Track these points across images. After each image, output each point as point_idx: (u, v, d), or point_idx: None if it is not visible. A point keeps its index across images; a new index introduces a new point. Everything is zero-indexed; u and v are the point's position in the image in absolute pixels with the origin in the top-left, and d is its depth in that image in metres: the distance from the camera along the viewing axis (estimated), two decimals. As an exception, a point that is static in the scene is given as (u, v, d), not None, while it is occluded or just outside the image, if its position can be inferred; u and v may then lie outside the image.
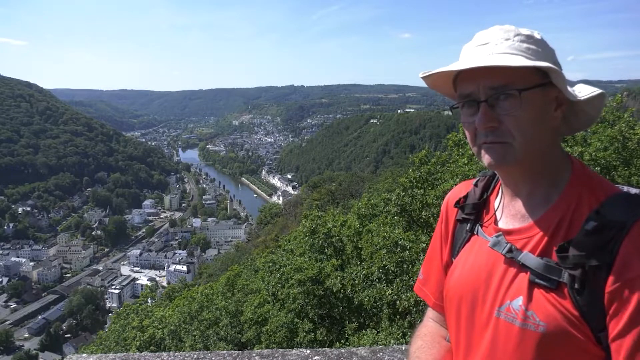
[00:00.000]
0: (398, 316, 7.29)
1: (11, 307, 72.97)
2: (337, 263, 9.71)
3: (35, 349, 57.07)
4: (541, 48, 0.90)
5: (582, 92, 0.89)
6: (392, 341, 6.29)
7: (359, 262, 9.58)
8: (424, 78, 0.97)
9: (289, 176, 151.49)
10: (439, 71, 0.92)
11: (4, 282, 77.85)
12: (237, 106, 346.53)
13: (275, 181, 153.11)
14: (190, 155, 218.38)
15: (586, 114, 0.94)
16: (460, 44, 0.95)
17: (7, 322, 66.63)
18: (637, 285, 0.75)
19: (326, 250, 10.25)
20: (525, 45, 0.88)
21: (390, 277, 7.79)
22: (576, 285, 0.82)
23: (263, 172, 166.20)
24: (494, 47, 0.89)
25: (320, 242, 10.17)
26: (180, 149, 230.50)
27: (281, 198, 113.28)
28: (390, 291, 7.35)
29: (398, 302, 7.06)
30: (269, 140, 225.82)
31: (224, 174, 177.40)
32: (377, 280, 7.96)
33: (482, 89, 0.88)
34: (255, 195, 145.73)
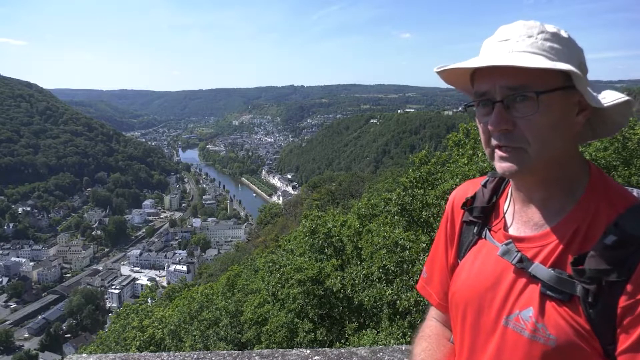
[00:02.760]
0: (398, 316, 7.30)
1: (11, 307, 72.93)
2: (337, 263, 9.72)
3: (35, 349, 57.07)
4: (567, 48, 0.84)
5: (607, 98, 0.84)
6: (392, 341, 6.29)
7: (359, 262, 9.58)
8: (438, 73, 0.93)
9: (289, 176, 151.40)
10: (454, 67, 0.88)
11: (4, 282, 77.82)
12: (237, 106, 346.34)
13: (275, 181, 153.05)
14: (190, 155, 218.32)
15: (612, 120, 0.89)
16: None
17: (7, 322, 66.59)
18: None
19: (326, 250, 10.25)
20: (549, 44, 0.83)
21: (391, 277, 7.79)
22: (590, 299, 0.79)
23: (263, 172, 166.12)
24: (515, 44, 0.84)
25: (320, 242, 10.17)
26: (180, 149, 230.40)
27: (281, 198, 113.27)
28: (390, 291, 7.35)
29: (398, 302, 7.06)
30: (269, 140, 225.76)
31: (224, 174, 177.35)
32: (377, 280, 7.96)
33: (498, 88, 0.84)
34: (254, 195, 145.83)
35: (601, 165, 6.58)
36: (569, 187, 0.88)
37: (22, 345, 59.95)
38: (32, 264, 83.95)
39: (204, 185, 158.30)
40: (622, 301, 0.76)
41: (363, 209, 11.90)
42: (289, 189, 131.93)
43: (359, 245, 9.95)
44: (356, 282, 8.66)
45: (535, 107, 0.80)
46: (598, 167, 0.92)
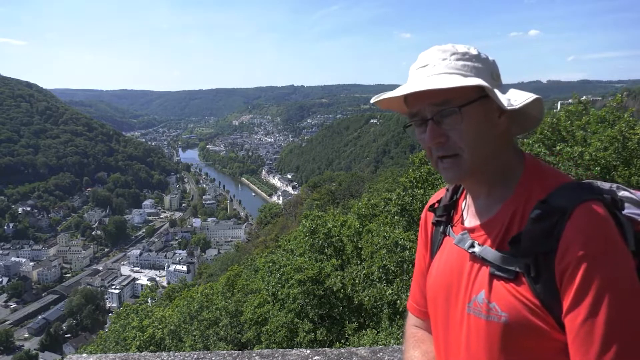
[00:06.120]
0: (398, 316, 7.30)
1: (11, 307, 72.96)
2: (337, 263, 9.72)
3: (35, 349, 57.07)
4: (478, 63, 0.97)
5: (518, 99, 0.94)
6: (392, 341, 6.29)
7: (359, 262, 9.58)
8: (375, 103, 1.04)
9: (289, 176, 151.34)
10: (386, 96, 1.00)
11: (4, 282, 77.83)
12: (237, 106, 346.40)
13: (275, 181, 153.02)
14: (190, 155, 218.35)
15: (531, 115, 1.01)
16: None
17: (7, 322, 66.64)
18: (580, 262, 0.81)
19: (326, 250, 10.25)
20: (461, 62, 0.95)
21: (391, 277, 7.80)
22: (532, 274, 0.86)
23: (263, 172, 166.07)
24: (433, 68, 0.96)
25: (320, 242, 10.17)
26: (180, 149, 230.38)
27: (281, 198, 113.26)
28: (390, 291, 7.36)
29: (398, 301, 7.07)
30: (269, 140, 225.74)
31: (224, 174, 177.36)
32: (378, 280, 7.96)
33: (427, 107, 0.95)
34: (253, 194, 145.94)
35: (601, 165, 6.57)
36: (507, 177, 0.99)
37: (22, 345, 59.94)
38: (32, 264, 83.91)
39: (204, 185, 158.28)
40: (556, 269, 0.84)
41: (363, 209, 11.90)
42: (289, 189, 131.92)
43: (359, 245, 9.95)
44: (356, 282, 8.67)
45: (460, 119, 0.92)
46: (533, 157, 1.02)
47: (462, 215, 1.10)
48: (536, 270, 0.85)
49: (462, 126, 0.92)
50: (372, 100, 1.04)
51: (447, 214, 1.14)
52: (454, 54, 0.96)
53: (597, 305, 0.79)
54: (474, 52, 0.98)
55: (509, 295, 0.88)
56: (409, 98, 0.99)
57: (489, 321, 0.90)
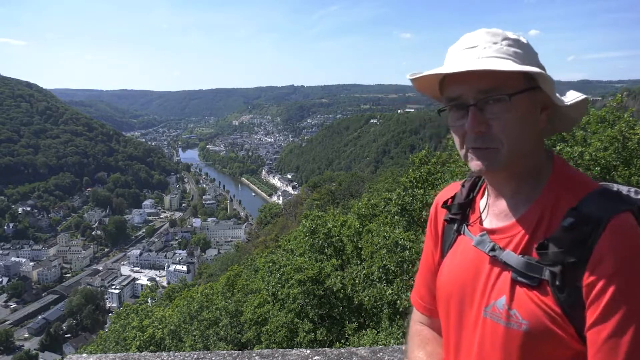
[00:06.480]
0: (398, 316, 7.30)
1: (11, 307, 72.93)
2: (337, 263, 9.72)
3: (35, 349, 57.05)
4: (527, 52, 0.91)
5: (568, 97, 0.92)
6: (392, 341, 6.30)
7: (359, 262, 9.59)
8: (412, 80, 0.97)
9: (289, 176, 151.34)
10: (428, 73, 0.91)
11: (4, 282, 77.78)
12: (237, 106, 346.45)
13: (275, 181, 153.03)
14: (190, 155, 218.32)
15: (569, 117, 0.97)
16: None
17: (7, 322, 66.61)
18: (613, 278, 0.77)
19: (326, 250, 10.25)
20: (512, 49, 0.89)
21: (391, 277, 7.80)
22: (557, 282, 0.83)
23: (263, 172, 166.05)
24: (482, 50, 0.89)
25: (320, 242, 10.17)
26: (180, 149, 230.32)
27: (281, 198, 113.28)
28: (390, 291, 7.36)
29: (398, 301, 7.07)
30: (269, 140, 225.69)
31: (224, 174, 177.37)
32: (378, 280, 7.96)
33: (471, 92, 0.88)
34: (253, 194, 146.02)
35: (601, 165, 6.57)
36: (535, 178, 0.94)
37: (22, 345, 59.90)
38: (32, 264, 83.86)
39: (204, 185, 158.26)
40: (585, 280, 0.80)
41: (363, 209, 11.89)
42: (289, 189, 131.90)
43: (359, 245, 9.95)
44: (356, 282, 8.67)
45: (508, 107, 0.86)
46: (562, 159, 0.97)
47: (480, 214, 1.04)
48: (562, 280, 0.82)
49: (509, 116, 0.86)
50: (408, 76, 0.95)
51: (463, 212, 1.08)
52: (505, 39, 0.90)
53: (625, 323, 0.76)
54: (524, 41, 0.92)
55: (532, 303, 0.85)
56: (451, 80, 0.92)
57: (509, 328, 0.87)
